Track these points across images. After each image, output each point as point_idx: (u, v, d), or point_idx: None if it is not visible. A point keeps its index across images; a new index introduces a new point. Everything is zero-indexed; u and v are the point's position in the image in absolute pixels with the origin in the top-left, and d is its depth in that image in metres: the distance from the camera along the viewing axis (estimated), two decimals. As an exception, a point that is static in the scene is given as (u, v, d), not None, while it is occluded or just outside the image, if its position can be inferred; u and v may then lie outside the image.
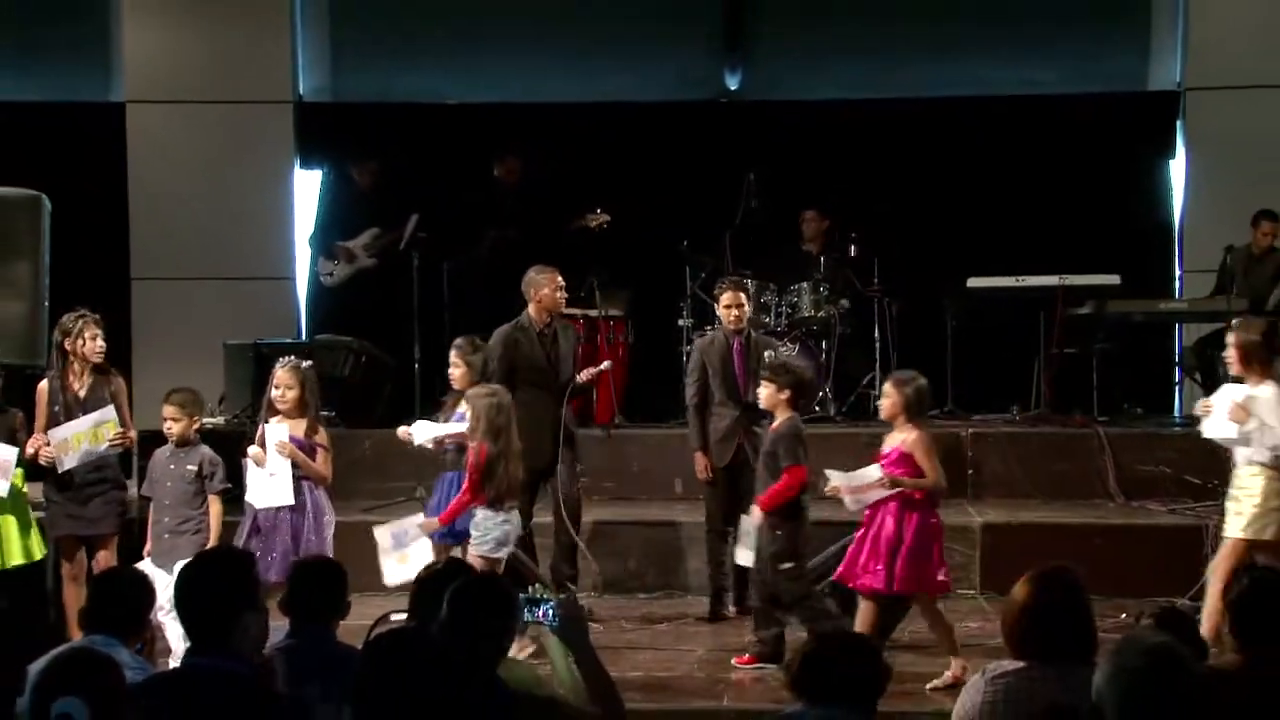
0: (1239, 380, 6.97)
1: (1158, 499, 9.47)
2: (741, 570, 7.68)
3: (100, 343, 7.40)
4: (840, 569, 7.01)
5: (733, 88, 12.16)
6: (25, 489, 7.41)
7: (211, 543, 7.02)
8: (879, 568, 6.80)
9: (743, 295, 8.36)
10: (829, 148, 11.66)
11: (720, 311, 8.41)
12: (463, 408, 7.47)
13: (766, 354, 8.11)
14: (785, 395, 7.20)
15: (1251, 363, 6.90)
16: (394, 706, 3.37)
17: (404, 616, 4.46)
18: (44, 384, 7.44)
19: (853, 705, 3.85)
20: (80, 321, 7.37)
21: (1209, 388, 10.77)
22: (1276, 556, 6.71)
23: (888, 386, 7.06)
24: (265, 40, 11.73)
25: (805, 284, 10.71)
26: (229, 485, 7.26)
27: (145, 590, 4.68)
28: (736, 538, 7.49)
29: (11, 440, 7.26)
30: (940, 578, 6.93)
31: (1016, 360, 10.88)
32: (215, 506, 7.19)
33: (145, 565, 7.04)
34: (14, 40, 11.84)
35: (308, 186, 11.98)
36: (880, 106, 11.86)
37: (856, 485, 6.87)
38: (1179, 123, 11.84)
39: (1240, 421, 6.81)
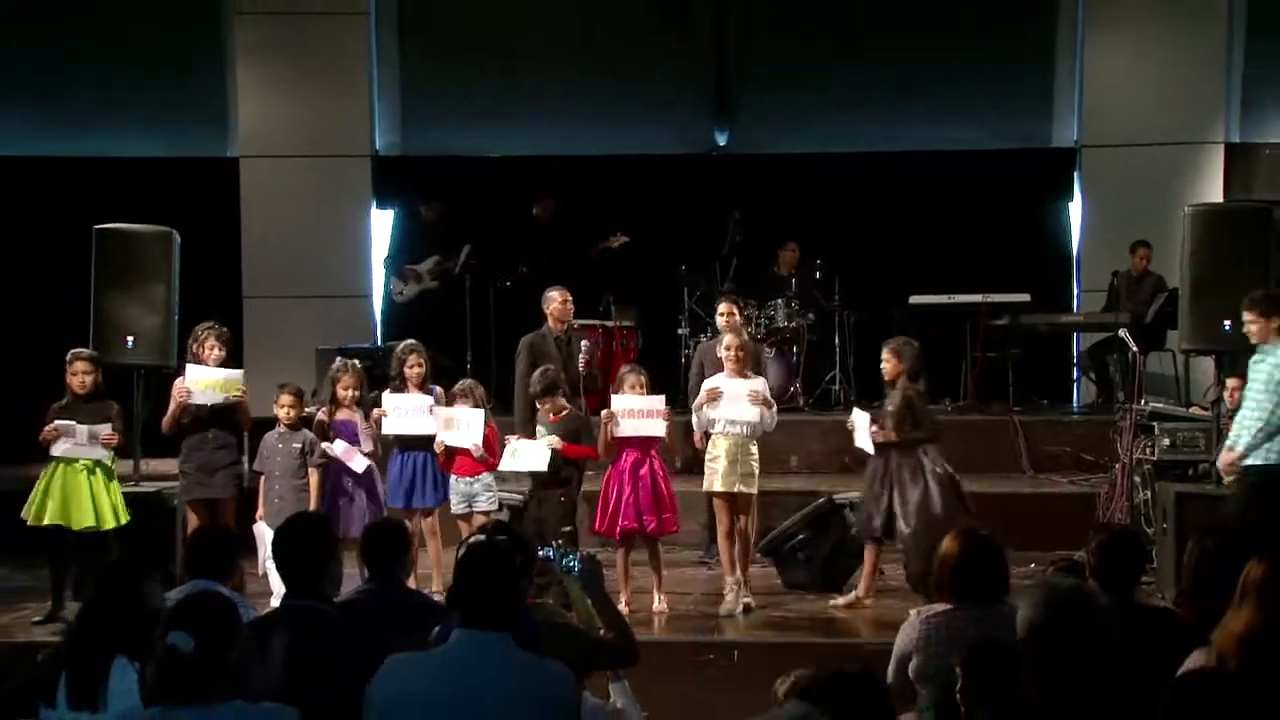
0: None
1: (1060, 472, 9.46)
2: None
3: (217, 351, 7.25)
4: (605, 525, 7.02)
5: (721, 144, 12.14)
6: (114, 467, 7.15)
7: (313, 506, 6.95)
8: (650, 517, 6.95)
9: (735, 307, 8.13)
10: (799, 192, 11.60)
11: (718, 320, 8.20)
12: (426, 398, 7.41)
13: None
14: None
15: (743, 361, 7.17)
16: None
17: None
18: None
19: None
20: (205, 332, 7.30)
21: (1101, 384, 10.82)
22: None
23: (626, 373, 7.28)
24: (349, 107, 11.73)
25: (779, 300, 10.69)
26: (325, 460, 7.20)
27: (231, 542, 4.67)
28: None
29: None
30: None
31: (948, 362, 10.86)
32: (314, 477, 7.13)
33: (259, 526, 7.07)
34: (155, 107, 11.83)
35: (382, 223, 11.99)
36: (840, 159, 11.82)
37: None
38: (1076, 173, 11.81)
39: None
